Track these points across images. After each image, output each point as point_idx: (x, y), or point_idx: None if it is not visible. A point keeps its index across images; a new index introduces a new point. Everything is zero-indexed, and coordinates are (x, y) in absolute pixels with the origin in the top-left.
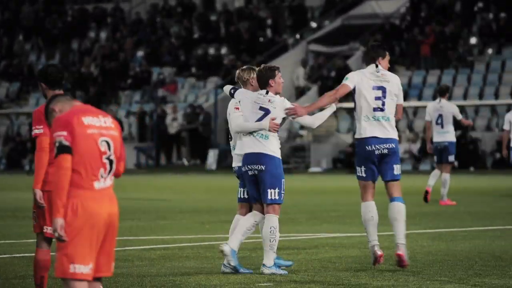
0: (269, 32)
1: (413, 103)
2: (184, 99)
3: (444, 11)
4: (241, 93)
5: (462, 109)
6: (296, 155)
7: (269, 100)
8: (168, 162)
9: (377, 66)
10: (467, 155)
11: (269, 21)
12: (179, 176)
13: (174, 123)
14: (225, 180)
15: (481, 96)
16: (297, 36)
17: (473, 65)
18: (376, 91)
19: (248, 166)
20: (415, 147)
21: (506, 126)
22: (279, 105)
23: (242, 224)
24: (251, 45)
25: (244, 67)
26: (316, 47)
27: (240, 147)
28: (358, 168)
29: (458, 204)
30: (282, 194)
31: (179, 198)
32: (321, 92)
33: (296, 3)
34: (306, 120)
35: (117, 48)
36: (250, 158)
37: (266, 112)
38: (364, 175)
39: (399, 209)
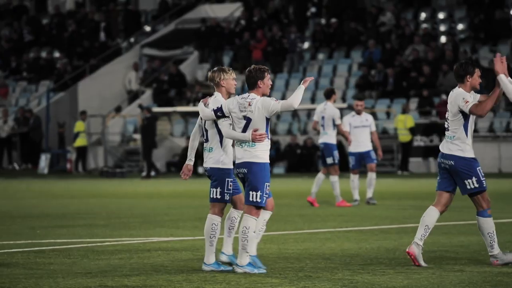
0: (102, 35)
1: None
2: (15, 102)
3: (277, 16)
4: (230, 104)
5: (294, 112)
6: (130, 159)
7: (249, 104)
8: None
9: None
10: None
11: (102, 25)
12: (10, 180)
13: (5, 127)
14: (57, 185)
15: (313, 100)
16: (131, 40)
17: (306, 69)
18: None
19: (237, 169)
20: None
21: (346, 128)
22: (258, 106)
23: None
24: (84, 48)
25: (215, 68)
26: (150, 51)
27: (234, 155)
28: None
29: (290, 207)
30: (265, 197)
31: (9, 203)
32: (155, 97)
33: (129, 7)
34: (286, 106)
35: None
36: (239, 165)
37: (248, 120)
38: None
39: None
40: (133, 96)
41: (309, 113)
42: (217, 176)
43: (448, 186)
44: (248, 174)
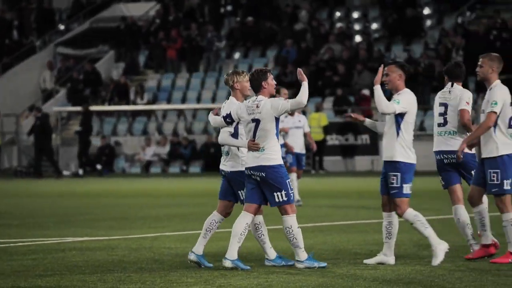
0: (15, 34)
1: (163, 106)
2: None
3: (193, 15)
4: (238, 109)
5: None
6: (45, 158)
7: (257, 106)
8: None
9: None
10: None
11: (15, 23)
12: None
13: None
14: None
15: (213, 99)
16: (45, 38)
17: (222, 68)
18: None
19: (252, 172)
20: (164, 150)
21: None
22: (267, 107)
23: (236, 231)
24: None
25: (230, 71)
26: (64, 50)
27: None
28: None
29: (206, 206)
30: (291, 194)
31: None
32: (69, 96)
33: (43, 5)
34: (295, 104)
35: None
36: (255, 168)
37: (257, 123)
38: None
39: None
40: (47, 95)
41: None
42: (242, 179)
43: (457, 179)
44: (267, 177)
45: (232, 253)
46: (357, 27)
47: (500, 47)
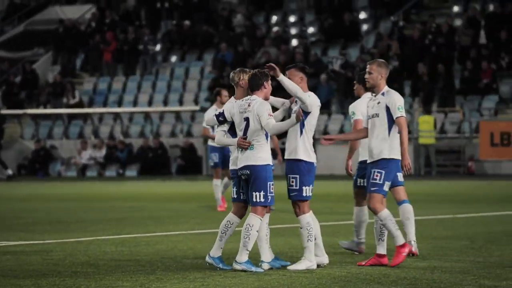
0: None
1: (99, 109)
2: None
3: (129, 18)
4: (231, 108)
5: (147, 115)
6: None
7: (248, 104)
8: None
9: None
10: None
11: None
12: None
13: None
14: None
15: (165, 102)
16: None
17: (158, 72)
18: None
19: (240, 171)
20: (100, 154)
21: None
22: (256, 106)
23: (261, 235)
24: None
25: (237, 69)
26: None
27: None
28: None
29: (142, 209)
30: (269, 197)
31: None
32: (4, 98)
33: None
34: (274, 130)
35: None
36: (242, 168)
37: (247, 121)
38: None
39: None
40: None
41: (162, 115)
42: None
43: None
44: (251, 175)
45: (265, 256)
46: (293, 31)
47: (436, 51)
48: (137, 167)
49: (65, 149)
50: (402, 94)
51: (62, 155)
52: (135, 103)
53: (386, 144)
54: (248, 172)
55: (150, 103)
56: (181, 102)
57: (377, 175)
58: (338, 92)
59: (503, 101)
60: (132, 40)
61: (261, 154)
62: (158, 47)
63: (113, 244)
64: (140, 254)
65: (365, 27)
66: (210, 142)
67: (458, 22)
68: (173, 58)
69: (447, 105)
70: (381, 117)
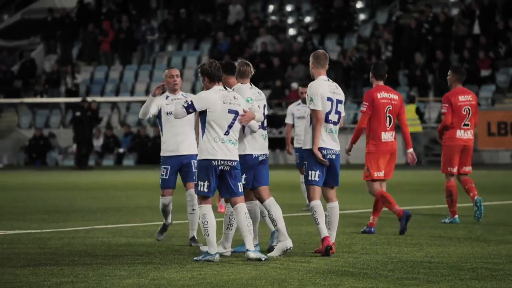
0: None
1: (96, 98)
2: None
3: (126, 7)
4: (204, 102)
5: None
6: None
7: (234, 97)
8: None
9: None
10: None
11: None
12: None
13: None
14: None
15: (146, 92)
16: None
17: (155, 61)
18: None
19: (227, 162)
20: (98, 143)
21: (288, 120)
22: (241, 99)
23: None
24: None
25: (243, 60)
26: None
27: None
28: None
29: (140, 198)
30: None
31: None
32: (0, 87)
33: None
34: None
35: None
36: (228, 160)
37: (236, 114)
38: None
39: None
40: None
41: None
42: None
43: None
44: (237, 167)
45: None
46: (290, 20)
47: (432, 41)
48: (135, 156)
49: (63, 138)
50: (398, 84)
51: (60, 144)
52: (132, 92)
53: (308, 135)
54: (235, 165)
55: (147, 92)
56: None
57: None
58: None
59: (500, 91)
60: (127, 29)
61: (241, 147)
62: (155, 37)
63: (110, 233)
64: (137, 243)
65: (362, 16)
66: None
67: (455, 12)
68: (170, 48)
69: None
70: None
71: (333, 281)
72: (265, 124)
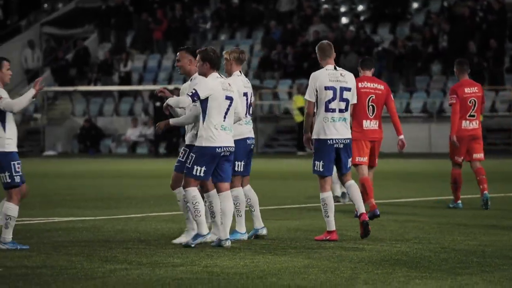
0: (0, 13)
1: (149, 86)
2: None
3: None
4: (208, 89)
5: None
6: (30, 138)
7: (229, 84)
8: None
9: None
10: None
11: (0, 3)
12: None
13: None
14: None
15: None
16: (31, 18)
17: None
18: None
19: (229, 148)
20: (150, 131)
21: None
22: (234, 86)
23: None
24: None
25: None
26: (50, 30)
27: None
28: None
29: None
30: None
31: None
32: (55, 75)
33: None
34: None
35: None
36: (230, 147)
37: (231, 101)
38: None
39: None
40: (33, 75)
41: None
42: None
43: None
44: (233, 151)
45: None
46: (343, 9)
47: (486, 29)
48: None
49: (116, 126)
50: (452, 72)
51: (113, 132)
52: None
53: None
54: (234, 150)
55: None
56: None
57: None
58: (387, 69)
59: None
60: (180, 17)
61: (234, 132)
62: (207, 25)
63: (163, 221)
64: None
65: (415, 5)
66: None
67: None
68: (223, 36)
69: (497, 83)
70: None
71: (386, 270)
72: (251, 112)
